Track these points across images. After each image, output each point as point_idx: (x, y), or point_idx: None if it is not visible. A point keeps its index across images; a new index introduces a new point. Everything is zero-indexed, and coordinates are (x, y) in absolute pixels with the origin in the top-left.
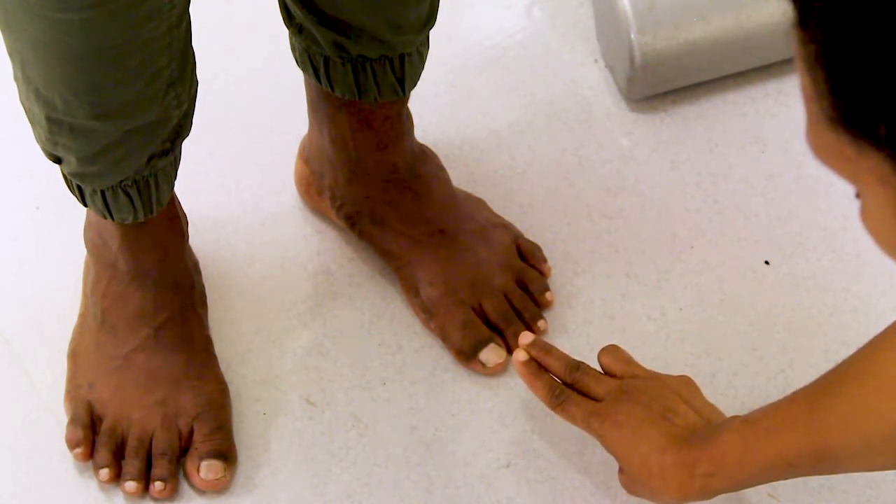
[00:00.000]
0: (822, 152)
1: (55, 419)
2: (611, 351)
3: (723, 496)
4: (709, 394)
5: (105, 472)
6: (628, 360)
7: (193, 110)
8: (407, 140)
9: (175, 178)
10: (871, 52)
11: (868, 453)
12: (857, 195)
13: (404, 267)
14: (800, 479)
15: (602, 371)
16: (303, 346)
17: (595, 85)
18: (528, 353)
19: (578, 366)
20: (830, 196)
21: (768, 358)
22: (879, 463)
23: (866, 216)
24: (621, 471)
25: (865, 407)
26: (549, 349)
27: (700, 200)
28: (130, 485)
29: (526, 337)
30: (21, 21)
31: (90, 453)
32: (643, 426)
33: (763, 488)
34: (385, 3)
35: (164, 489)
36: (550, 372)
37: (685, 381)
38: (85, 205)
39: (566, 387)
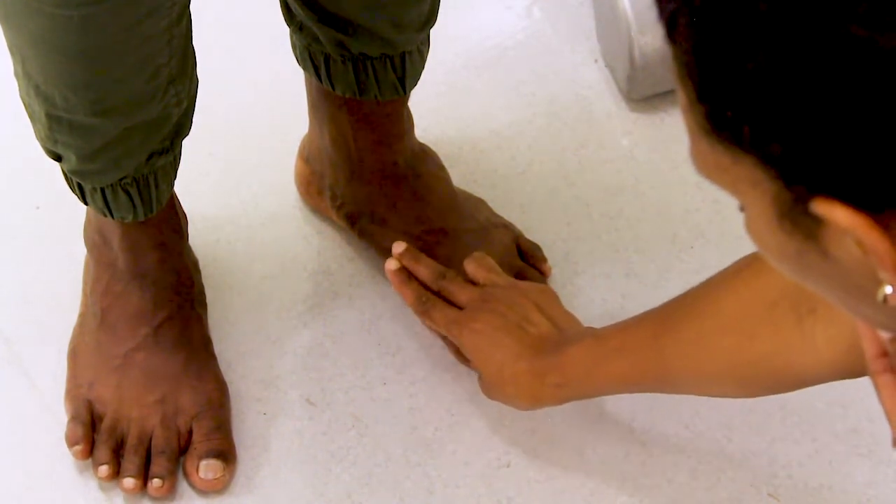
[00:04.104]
0: (703, 166)
1: (55, 418)
2: (475, 259)
3: (723, 496)
4: None
5: (104, 469)
6: (490, 268)
7: (193, 109)
8: (407, 139)
9: (175, 178)
10: (730, 58)
11: (705, 382)
12: (741, 208)
13: None
14: (800, 480)
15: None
16: (303, 346)
17: (595, 85)
18: (399, 261)
19: (444, 274)
20: None
21: None
22: (715, 391)
23: (749, 227)
24: (480, 378)
25: (705, 342)
26: (419, 258)
27: (700, 200)
28: (129, 481)
29: (398, 246)
30: (21, 17)
31: (90, 451)
32: (499, 334)
33: (763, 488)
34: (386, 1)
35: (162, 486)
36: (419, 279)
37: (542, 290)
38: (85, 203)
39: (433, 294)
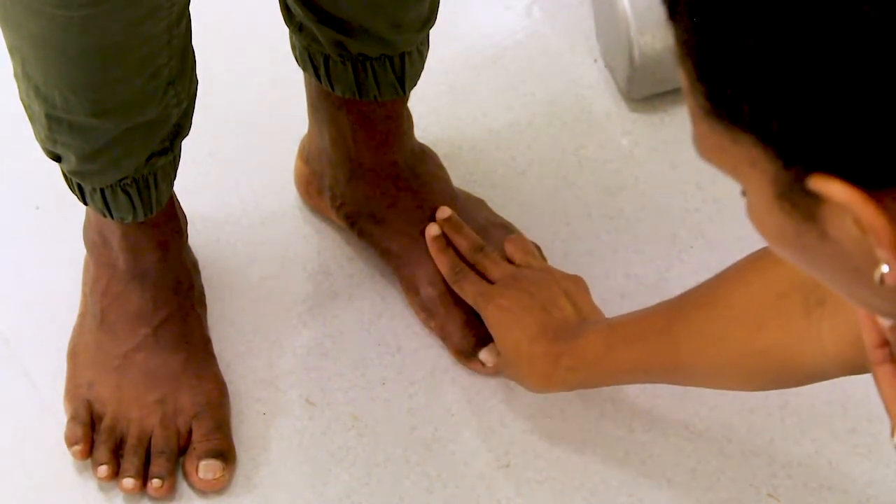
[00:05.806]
0: (704, 148)
1: (55, 419)
2: (515, 240)
3: (723, 496)
4: (708, 395)
5: (104, 469)
6: (528, 252)
7: (193, 109)
8: (407, 139)
9: (174, 178)
10: (729, 35)
11: (714, 373)
12: (743, 193)
13: (404, 266)
14: (799, 480)
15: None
16: (303, 346)
17: (595, 85)
18: (441, 227)
19: (482, 248)
20: None
21: None
22: (723, 383)
23: (750, 210)
24: (498, 353)
25: (716, 333)
26: (460, 227)
27: (700, 200)
28: (128, 482)
29: (443, 212)
30: (21, 17)
31: (89, 451)
32: (522, 313)
33: (763, 488)
34: (385, 1)
35: (161, 487)
36: (458, 249)
37: (574, 280)
38: (85, 203)
39: (468, 266)
